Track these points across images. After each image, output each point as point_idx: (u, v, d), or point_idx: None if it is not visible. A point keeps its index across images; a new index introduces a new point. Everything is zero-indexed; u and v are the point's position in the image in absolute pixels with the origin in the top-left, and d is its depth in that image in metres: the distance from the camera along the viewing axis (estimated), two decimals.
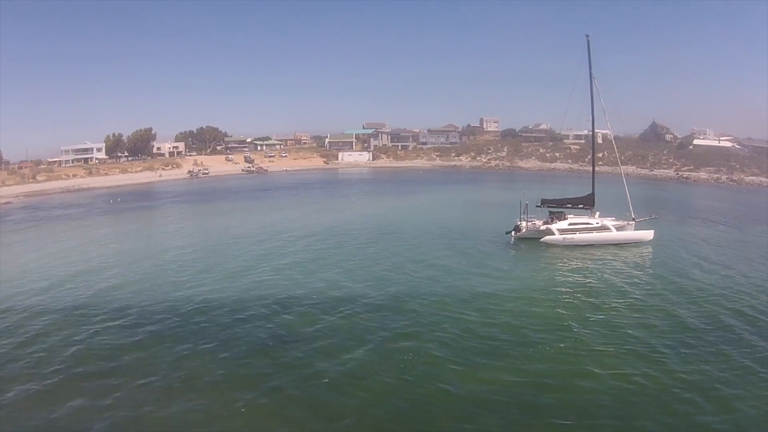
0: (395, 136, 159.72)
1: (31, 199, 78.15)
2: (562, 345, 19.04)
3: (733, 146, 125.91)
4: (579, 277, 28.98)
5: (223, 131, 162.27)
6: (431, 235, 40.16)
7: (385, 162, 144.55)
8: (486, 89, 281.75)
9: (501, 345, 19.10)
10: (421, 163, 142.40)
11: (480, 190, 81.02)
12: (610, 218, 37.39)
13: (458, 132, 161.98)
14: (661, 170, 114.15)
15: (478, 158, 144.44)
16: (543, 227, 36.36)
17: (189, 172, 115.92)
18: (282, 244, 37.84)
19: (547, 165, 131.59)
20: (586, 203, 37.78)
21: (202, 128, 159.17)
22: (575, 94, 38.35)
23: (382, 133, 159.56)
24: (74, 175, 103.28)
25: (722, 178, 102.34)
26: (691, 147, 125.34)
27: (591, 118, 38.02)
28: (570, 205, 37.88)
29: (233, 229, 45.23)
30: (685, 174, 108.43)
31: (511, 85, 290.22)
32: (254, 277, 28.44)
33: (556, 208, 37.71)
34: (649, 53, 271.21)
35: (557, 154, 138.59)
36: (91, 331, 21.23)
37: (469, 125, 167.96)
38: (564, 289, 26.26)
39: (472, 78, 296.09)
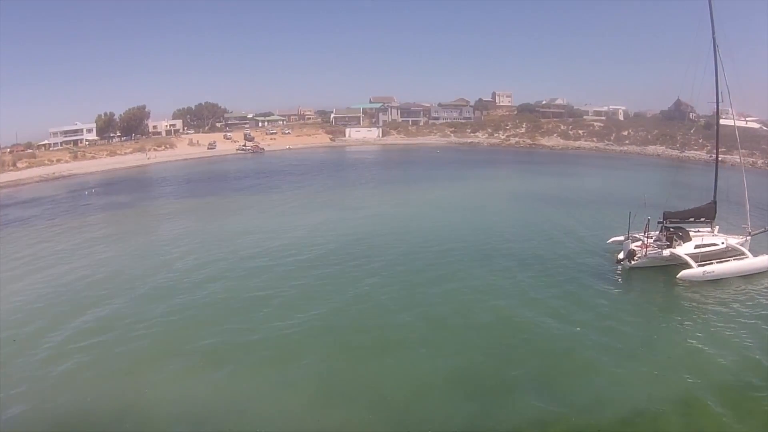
0: (405, 111, 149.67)
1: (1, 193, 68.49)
2: None
3: (761, 128, 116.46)
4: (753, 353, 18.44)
5: (223, 107, 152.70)
6: (492, 262, 28.84)
7: (396, 138, 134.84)
8: (496, 61, 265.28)
9: None
10: (435, 139, 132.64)
11: (517, 177, 69.65)
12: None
13: (471, 107, 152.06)
14: (692, 152, 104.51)
15: (496, 135, 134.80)
16: (667, 253, 26.32)
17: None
18: (264, 277, 27.52)
19: (572, 143, 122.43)
20: (708, 216, 28.51)
21: (200, 105, 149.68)
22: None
23: (391, 107, 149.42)
24: (58, 160, 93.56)
25: (758, 162, 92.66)
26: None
27: (715, 96, 28.90)
28: (692, 219, 28.31)
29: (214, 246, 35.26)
30: (720, 157, 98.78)
31: (522, 57, 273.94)
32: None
33: (679, 222, 27.96)
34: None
35: (580, 132, 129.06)
36: None
37: (480, 99, 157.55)
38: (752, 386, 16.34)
39: (480, 50, 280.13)
